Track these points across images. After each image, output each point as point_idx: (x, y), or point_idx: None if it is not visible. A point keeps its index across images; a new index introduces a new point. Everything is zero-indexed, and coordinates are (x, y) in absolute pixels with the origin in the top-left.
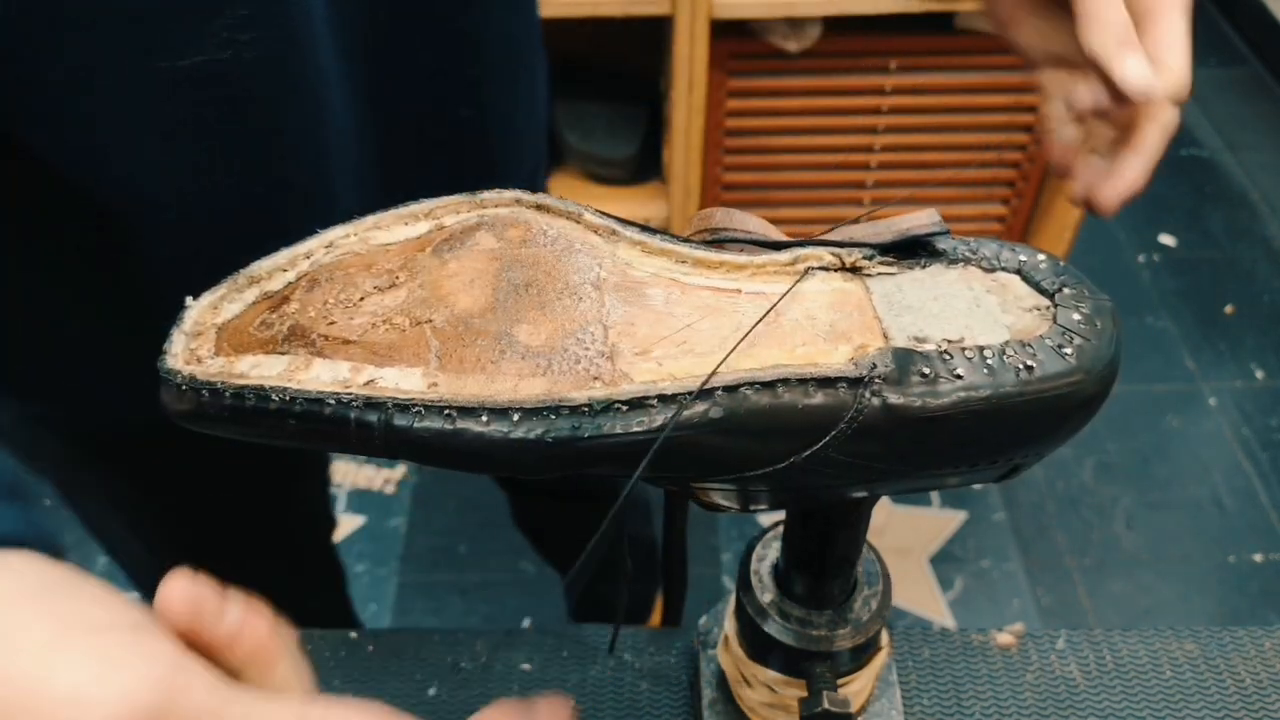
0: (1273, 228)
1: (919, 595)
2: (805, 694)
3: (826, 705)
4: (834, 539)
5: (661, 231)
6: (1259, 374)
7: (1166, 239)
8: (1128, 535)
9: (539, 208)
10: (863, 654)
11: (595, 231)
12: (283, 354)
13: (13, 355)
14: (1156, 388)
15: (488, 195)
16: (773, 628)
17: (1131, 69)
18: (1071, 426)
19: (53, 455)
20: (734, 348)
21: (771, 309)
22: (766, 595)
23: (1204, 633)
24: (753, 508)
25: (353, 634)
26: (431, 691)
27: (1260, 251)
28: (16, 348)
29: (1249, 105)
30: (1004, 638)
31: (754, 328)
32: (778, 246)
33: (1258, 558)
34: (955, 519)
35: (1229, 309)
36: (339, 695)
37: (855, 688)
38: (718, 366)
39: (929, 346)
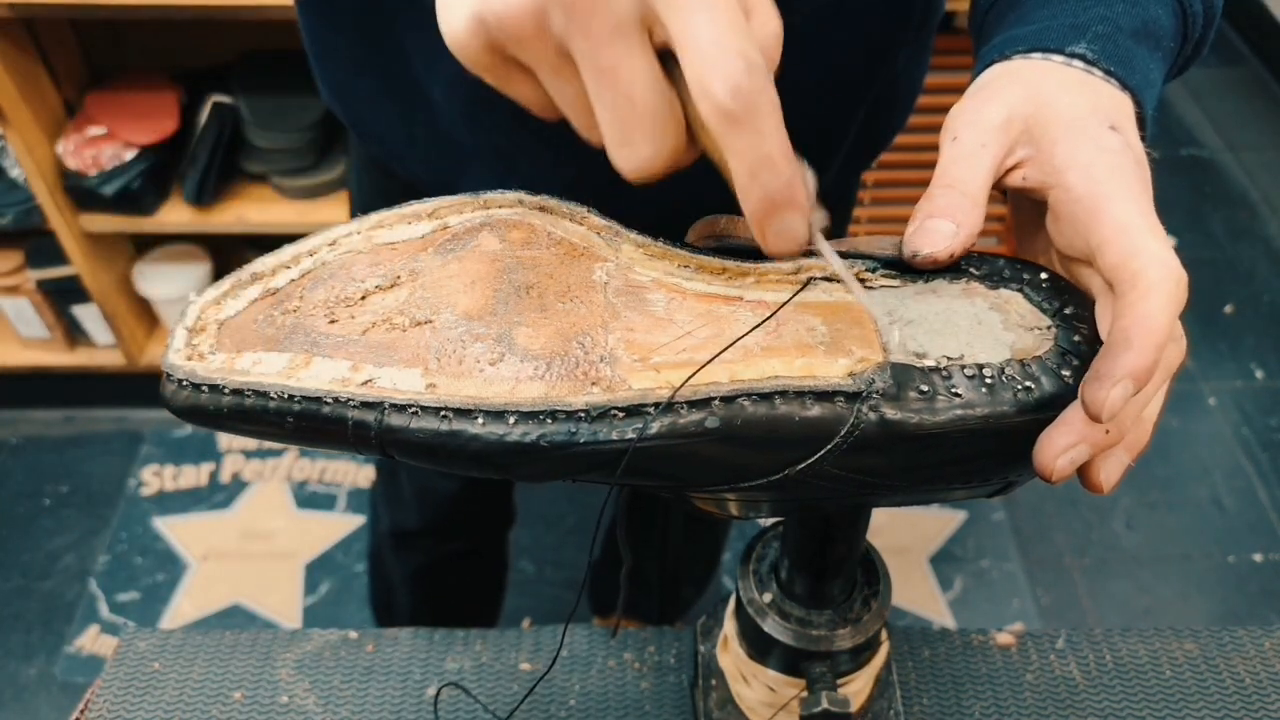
0: (1273, 228)
1: (919, 595)
2: (805, 693)
3: (826, 705)
4: (833, 540)
5: (665, 235)
6: (1259, 374)
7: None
8: (1128, 535)
9: (542, 209)
10: (862, 654)
11: (598, 233)
12: (284, 351)
13: (362, 111)
14: None
15: (491, 195)
16: (772, 627)
17: (917, 233)
18: None
19: (377, 190)
20: (718, 354)
21: (768, 318)
22: (766, 595)
23: (1204, 633)
24: (749, 515)
25: (353, 634)
26: (431, 691)
27: (1260, 251)
28: (363, 105)
29: (1249, 105)
30: (1004, 638)
31: (743, 337)
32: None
33: (1258, 558)
34: (955, 519)
35: (1229, 309)
36: (339, 695)
37: (855, 688)
38: (698, 370)
39: (928, 362)
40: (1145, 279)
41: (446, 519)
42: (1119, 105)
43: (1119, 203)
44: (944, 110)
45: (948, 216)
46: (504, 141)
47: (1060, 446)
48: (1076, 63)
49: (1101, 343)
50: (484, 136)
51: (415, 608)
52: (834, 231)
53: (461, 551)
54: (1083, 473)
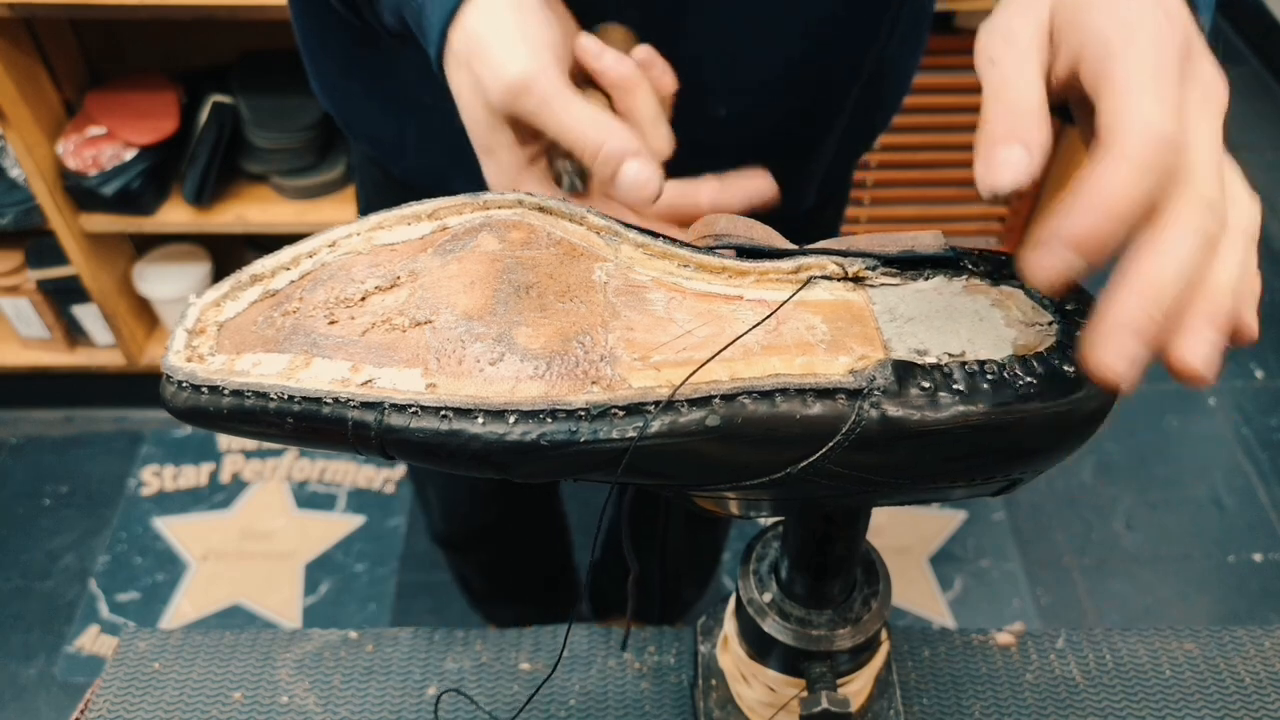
0: (1273, 228)
1: (919, 595)
2: (805, 693)
3: (826, 705)
4: (833, 539)
5: (664, 234)
6: (1259, 374)
7: None
8: (1128, 535)
9: (541, 209)
10: (862, 654)
11: (598, 233)
12: (284, 352)
13: (353, 110)
14: (1156, 387)
15: (490, 196)
16: (772, 627)
17: (990, 170)
18: (1070, 444)
19: (377, 185)
20: (719, 352)
21: (768, 317)
22: (766, 595)
23: (1204, 633)
24: (751, 514)
25: (353, 634)
26: (431, 691)
27: (1260, 251)
28: (354, 105)
29: (1249, 105)
30: (1004, 638)
31: (744, 335)
32: (781, 254)
33: (1258, 557)
34: (955, 519)
35: None
36: (339, 695)
37: (855, 687)
38: (699, 368)
39: (930, 360)
40: (1119, 142)
41: (484, 529)
42: (1177, 7)
43: (1125, 61)
44: (944, 111)
45: (1015, 139)
46: None
47: (1111, 352)
48: None
49: None
50: None
51: (490, 584)
52: (832, 223)
53: (512, 547)
54: (1166, 360)
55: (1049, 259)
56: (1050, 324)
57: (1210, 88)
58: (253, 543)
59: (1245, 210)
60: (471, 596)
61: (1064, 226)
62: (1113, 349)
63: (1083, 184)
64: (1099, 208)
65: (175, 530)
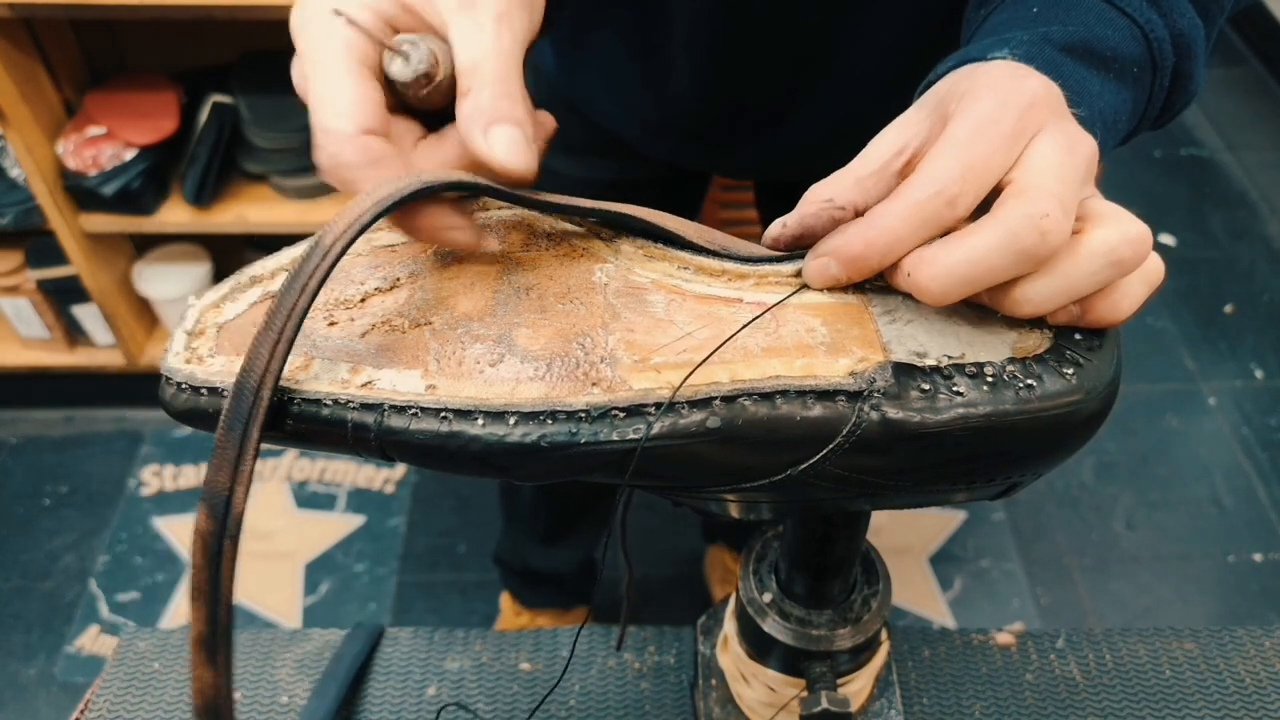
0: (1273, 228)
1: (919, 595)
2: (805, 693)
3: (826, 705)
4: (833, 540)
5: (664, 236)
6: (1259, 374)
7: (1166, 239)
8: (1128, 535)
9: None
10: (862, 653)
11: (597, 234)
12: None
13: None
14: (1156, 387)
15: (489, 197)
16: (772, 627)
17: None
18: (1070, 446)
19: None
20: (717, 349)
21: (762, 314)
22: (766, 595)
23: (1204, 633)
24: (749, 517)
25: None
26: (431, 691)
27: (1260, 251)
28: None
29: (1249, 105)
30: (1004, 637)
31: (738, 332)
32: (781, 258)
33: (1258, 557)
34: (955, 519)
35: (1229, 309)
36: (337, 694)
37: (855, 687)
38: (698, 366)
39: (929, 362)
40: (905, 185)
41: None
42: (1043, 79)
43: (952, 122)
44: None
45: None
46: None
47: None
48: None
49: (1099, 345)
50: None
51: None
52: None
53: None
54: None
55: (815, 264)
56: (1048, 326)
57: (1068, 138)
58: (253, 543)
59: (1112, 233)
60: (519, 521)
61: (832, 244)
62: (816, 264)
63: (867, 215)
64: (864, 234)
65: (175, 530)
